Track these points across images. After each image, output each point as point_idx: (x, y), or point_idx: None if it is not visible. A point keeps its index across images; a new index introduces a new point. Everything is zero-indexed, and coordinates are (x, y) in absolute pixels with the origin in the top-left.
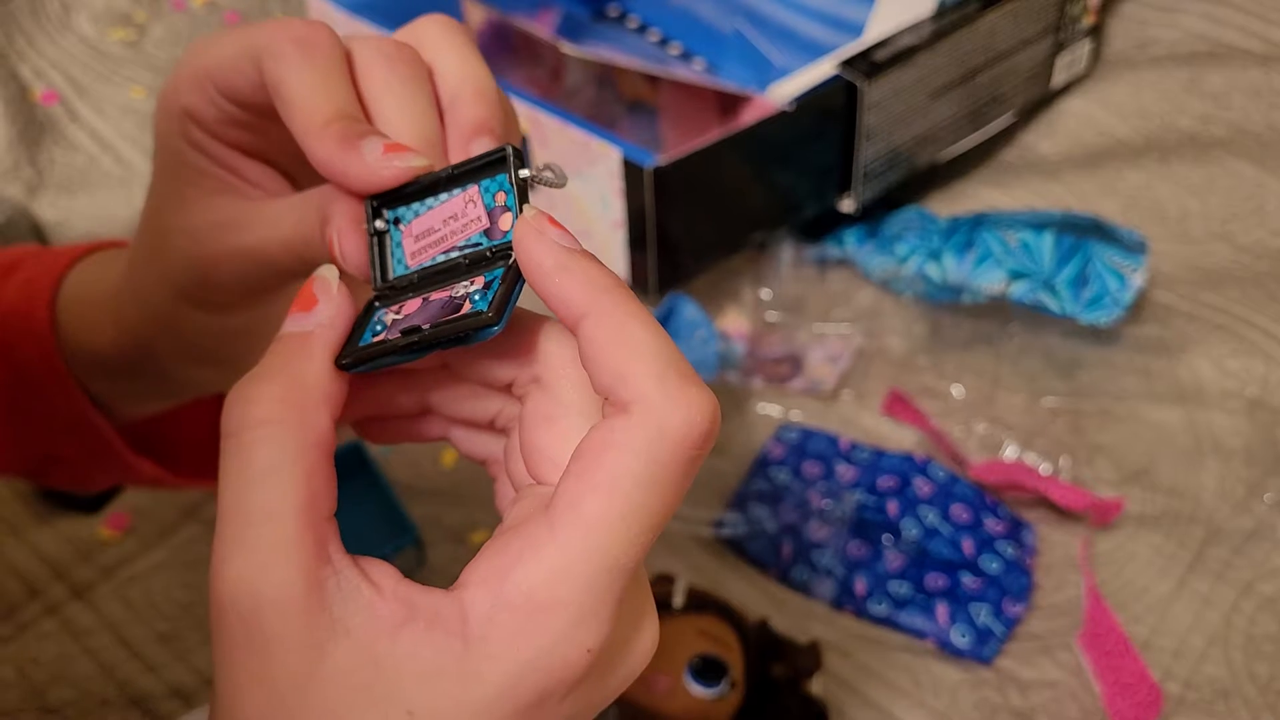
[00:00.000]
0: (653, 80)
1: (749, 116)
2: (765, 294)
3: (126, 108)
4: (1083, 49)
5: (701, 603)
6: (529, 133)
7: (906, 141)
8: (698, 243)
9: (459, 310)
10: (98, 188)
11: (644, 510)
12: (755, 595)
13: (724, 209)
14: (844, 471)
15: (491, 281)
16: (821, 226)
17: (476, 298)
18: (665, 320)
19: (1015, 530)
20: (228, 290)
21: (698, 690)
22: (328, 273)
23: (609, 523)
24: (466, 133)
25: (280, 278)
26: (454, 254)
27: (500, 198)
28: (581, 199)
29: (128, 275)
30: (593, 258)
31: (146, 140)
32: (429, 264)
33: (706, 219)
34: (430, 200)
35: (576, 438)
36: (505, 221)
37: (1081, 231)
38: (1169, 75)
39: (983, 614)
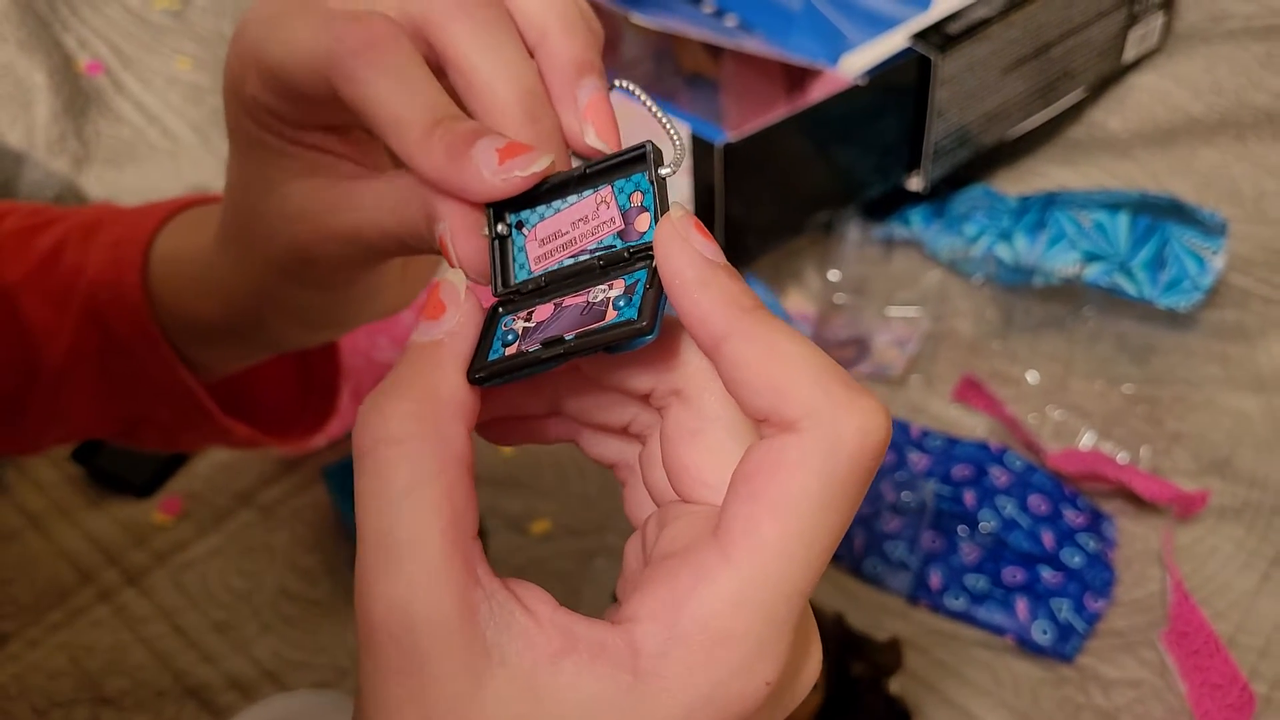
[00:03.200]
0: (714, 53)
1: (818, 92)
2: (833, 275)
3: (173, 79)
4: (1155, 22)
5: None
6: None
7: (977, 118)
8: (764, 222)
9: (602, 317)
10: (145, 161)
11: (823, 531)
12: (827, 588)
13: (790, 188)
14: (917, 460)
15: (634, 285)
16: (886, 205)
17: (621, 304)
18: None
19: (1096, 522)
20: (327, 269)
21: None
22: (455, 278)
23: (788, 548)
24: (569, 76)
25: (381, 256)
26: (584, 257)
27: (636, 198)
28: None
29: (221, 250)
30: (735, 274)
31: (193, 113)
32: (557, 267)
33: (773, 197)
34: (558, 202)
35: (724, 454)
36: (642, 223)
37: (1159, 212)
38: (1244, 49)
39: (1064, 609)
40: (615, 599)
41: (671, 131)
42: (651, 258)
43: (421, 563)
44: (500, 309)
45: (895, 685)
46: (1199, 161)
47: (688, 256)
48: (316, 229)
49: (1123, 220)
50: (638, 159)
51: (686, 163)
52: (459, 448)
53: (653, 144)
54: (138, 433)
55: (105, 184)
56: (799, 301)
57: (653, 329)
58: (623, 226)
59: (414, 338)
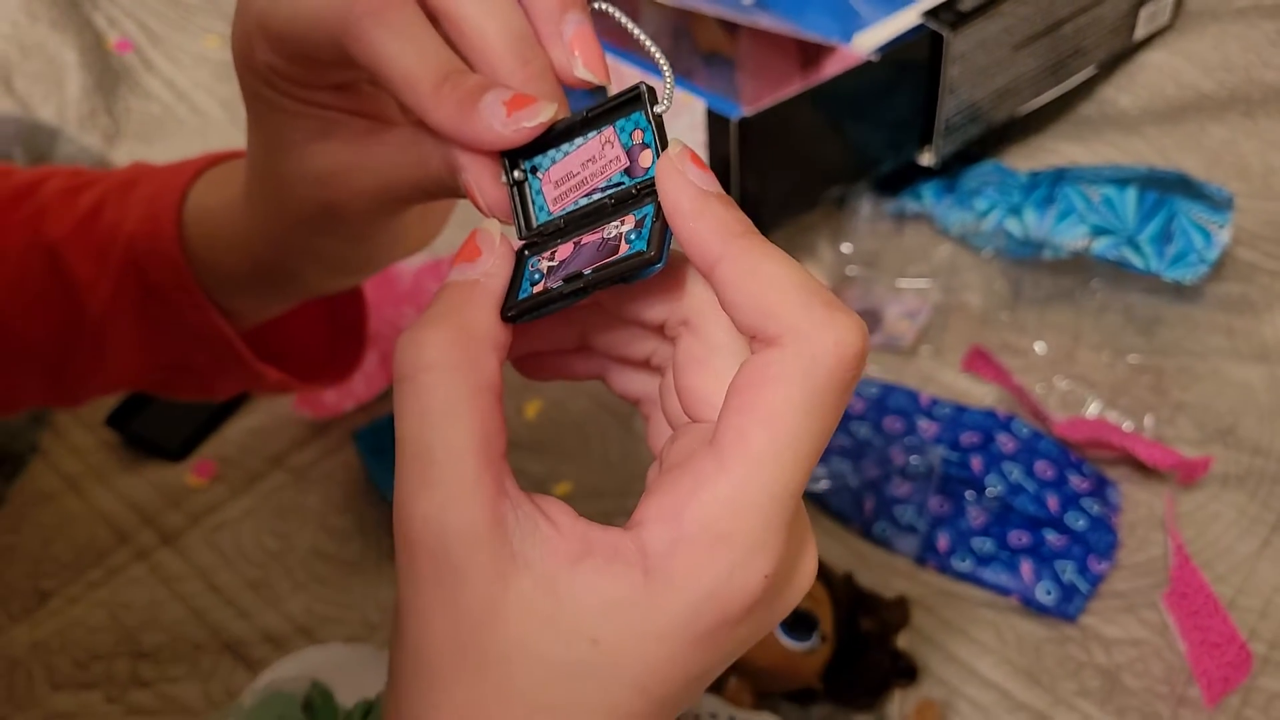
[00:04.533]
0: (730, 31)
1: (832, 68)
2: (845, 248)
3: (201, 57)
4: (1166, 0)
5: None
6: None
7: (988, 94)
8: (777, 196)
9: (616, 251)
10: (174, 136)
11: (807, 436)
12: (838, 550)
13: (804, 162)
14: (926, 427)
15: (643, 219)
16: (898, 180)
17: (633, 237)
18: None
19: (1100, 488)
20: (352, 222)
21: (789, 644)
22: (490, 226)
23: (776, 452)
24: (553, 13)
25: (404, 205)
26: (596, 195)
27: (638, 135)
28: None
29: (247, 207)
30: (728, 201)
31: (222, 90)
32: (573, 208)
33: (787, 172)
34: (565, 146)
35: (728, 376)
36: (645, 159)
37: (1166, 187)
38: (1254, 27)
39: (1068, 571)
40: None
41: (655, 53)
42: (656, 193)
43: (456, 478)
44: (526, 251)
45: (903, 642)
46: (1208, 138)
47: (684, 188)
48: (341, 188)
49: (1131, 195)
50: (634, 99)
51: (702, 137)
52: (491, 377)
53: (646, 85)
54: (175, 382)
55: (136, 158)
56: (813, 273)
57: (660, 258)
58: (628, 164)
59: (451, 277)
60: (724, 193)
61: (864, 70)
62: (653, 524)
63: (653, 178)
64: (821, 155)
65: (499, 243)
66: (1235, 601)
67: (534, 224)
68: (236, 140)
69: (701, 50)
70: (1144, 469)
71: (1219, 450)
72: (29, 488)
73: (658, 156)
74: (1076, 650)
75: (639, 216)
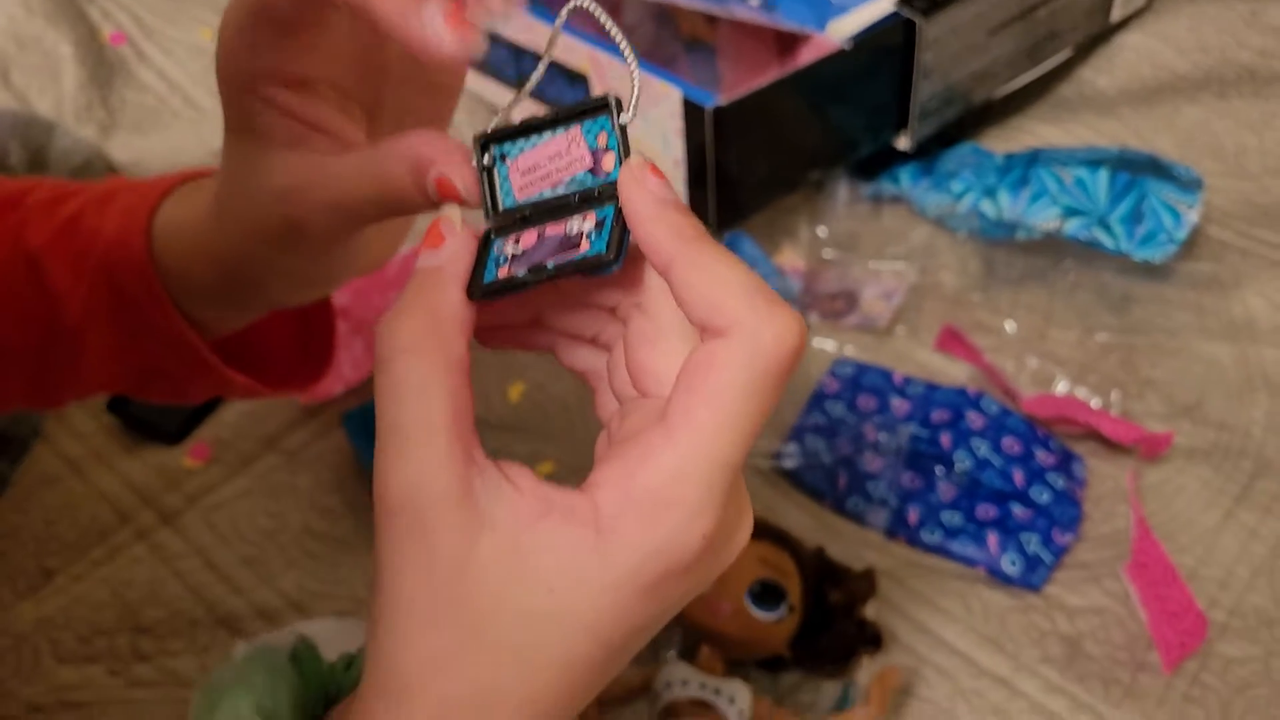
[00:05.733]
0: (711, 19)
1: (807, 55)
2: (821, 231)
3: (194, 49)
4: None
5: (761, 531)
6: (589, 72)
7: (963, 78)
8: (756, 181)
9: (577, 247)
10: (168, 128)
11: (746, 416)
12: (811, 524)
13: (782, 147)
14: (898, 405)
15: (604, 220)
16: (877, 164)
17: (594, 236)
18: None
19: (1065, 462)
20: (313, 237)
21: (758, 614)
22: (451, 212)
23: (717, 428)
24: None
25: (362, 222)
26: (560, 189)
27: (602, 139)
28: (642, 138)
29: (216, 221)
30: (683, 208)
31: (214, 81)
32: (537, 198)
33: (764, 158)
34: (535, 138)
35: (676, 356)
36: (608, 162)
37: (1137, 168)
38: (1230, 9)
39: (1032, 543)
40: None
41: (630, 63)
42: (617, 197)
43: (429, 448)
44: (492, 235)
45: (871, 612)
46: (1181, 118)
47: (643, 197)
48: (302, 203)
49: (1103, 176)
50: (601, 106)
51: (678, 125)
52: (459, 355)
53: (615, 97)
54: (149, 387)
55: (131, 150)
56: (792, 256)
57: (617, 260)
58: (593, 164)
59: (419, 264)
60: (680, 200)
61: (839, 57)
62: (606, 487)
63: (615, 181)
64: (799, 140)
65: (460, 228)
66: (1197, 572)
67: (500, 208)
68: None
69: (684, 37)
70: (1111, 444)
71: (1186, 425)
72: (33, 470)
73: (620, 163)
74: (1040, 619)
75: (600, 217)
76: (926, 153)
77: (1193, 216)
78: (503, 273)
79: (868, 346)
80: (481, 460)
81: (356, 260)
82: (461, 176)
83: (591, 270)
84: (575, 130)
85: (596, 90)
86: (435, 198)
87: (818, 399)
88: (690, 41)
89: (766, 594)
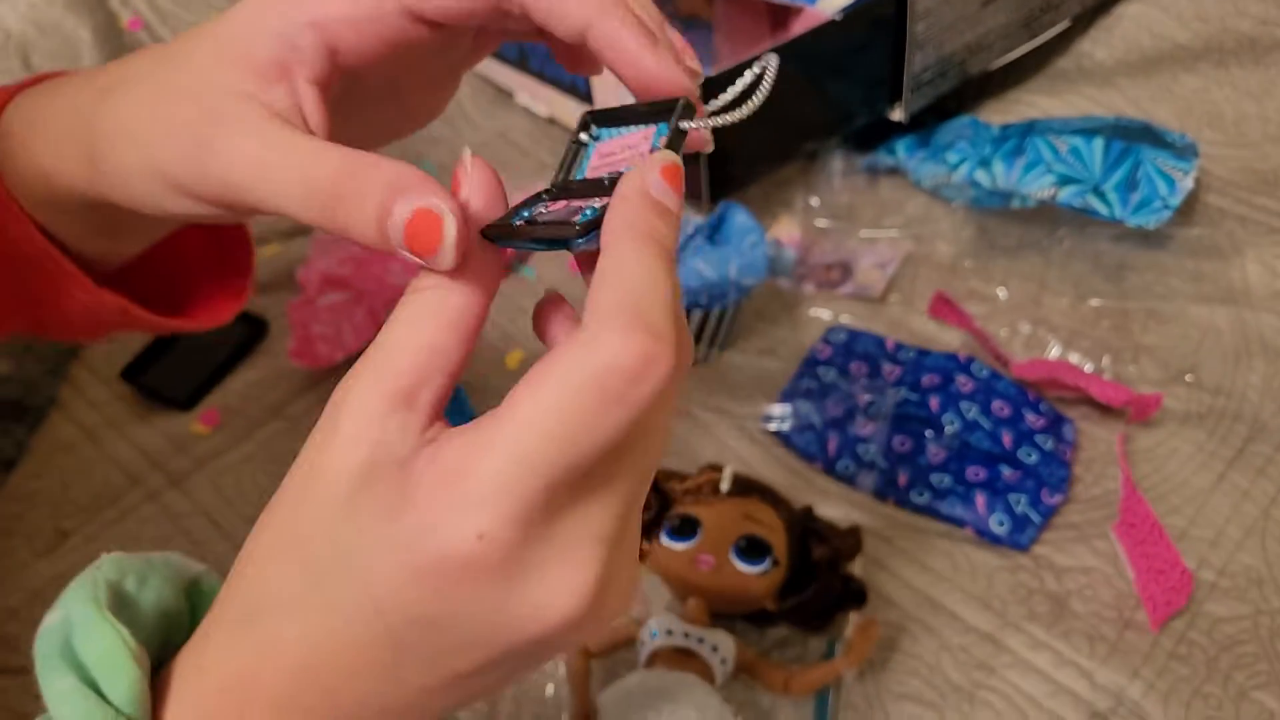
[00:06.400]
0: None
1: (799, 29)
2: (814, 201)
3: None
4: None
5: (747, 488)
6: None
7: (958, 50)
8: (750, 153)
9: (570, 220)
10: None
11: (561, 422)
12: (801, 486)
13: (776, 119)
14: (889, 370)
15: (605, 206)
16: (875, 136)
17: (588, 213)
18: (716, 227)
19: (1055, 425)
20: (225, 198)
21: (742, 567)
22: (467, 156)
23: (527, 419)
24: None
25: (281, 213)
26: (608, 175)
27: (663, 141)
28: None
29: (95, 114)
30: (660, 211)
31: None
32: (594, 178)
33: (759, 130)
34: (625, 129)
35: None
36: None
37: (1132, 136)
38: None
39: (1021, 503)
40: None
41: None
42: None
43: (382, 366)
44: (544, 194)
45: (858, 570)
46: (1180, 87)
47: (633, 183)
48: (241, 185)
49: (1097, 145)
50: (682, 107)
51: None
52: (459, 303)
53: (686, 100)
54: (39, 319)
55: None
56: (788, 227)
57: (577, 237)
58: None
59: (462, 193)
60: (668, 206)
61: (830, 29)
62: (426, 449)
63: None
64: (794, 112)
65: (472, 167)
66: (1187, 532)
67: (571, 179)
68: None
69: (682, 15)
70: (1103, 408)
71: (1180, 390)
72: (49, 437)
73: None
74: (1028, 578)
75: (605, 204)
76: (924, 125)
77: (1188, 183)
78: (519, 225)
79: (862, 315)
80: (424, 403)
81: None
82: (448, 226)
83: (557, 241)
84: (652, 128)
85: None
86: (397, 241)
87: (810, 363)
88: (688, 19)
89: (751, 548)
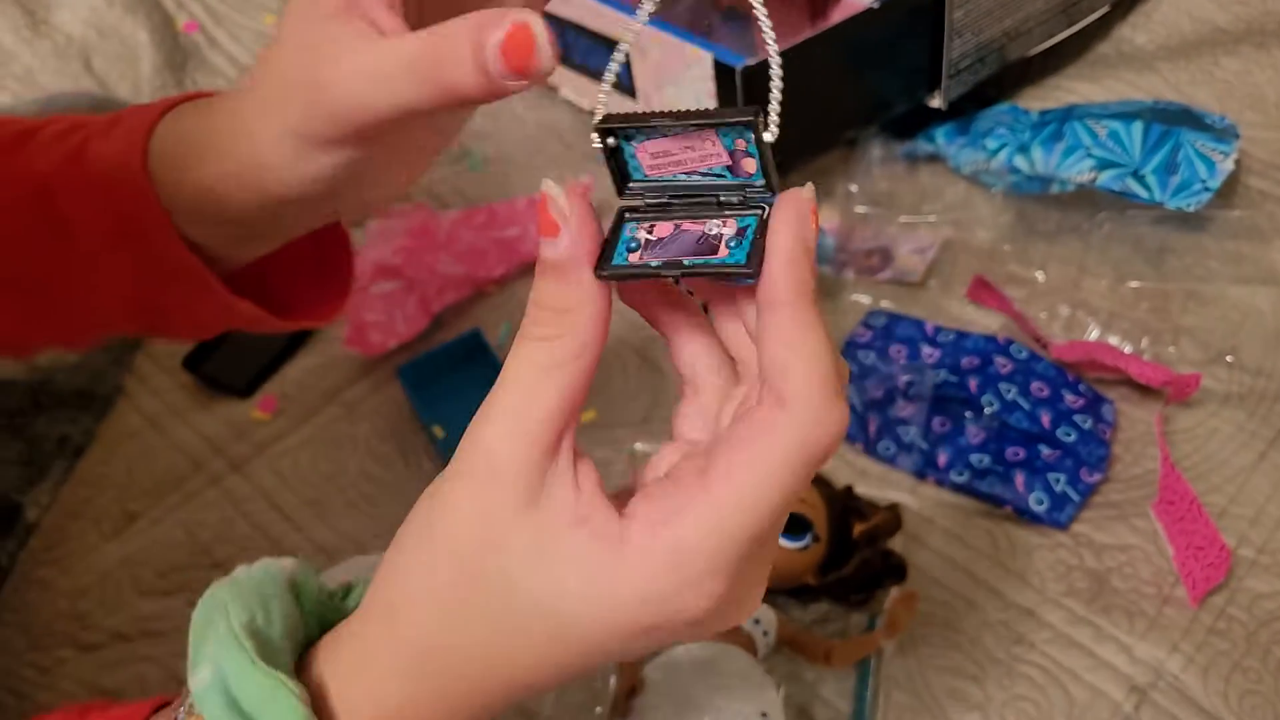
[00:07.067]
0: None
1: (837, 17)
2: (852, 188)
3: (260, 34)
4: None
5: None
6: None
7: (996, 36)
8: (789, 141)
9: (715, 251)
10: None
11: (780, 490)
12: (843, 467)
13: (815, 108)
14: (929, 353)
15: (745, 230)
16: (915, 123)
17: (733, 244)
18: None
19: (1094, 405)
20: (349, 123)
21: (784, 542)
22: (549, 188)
23: (754, 493)
24: None
25: (400, 109)
26: (697, 178)
27: (741, 144)
28: (677, 102)
29: (238, 120)
30: (814, 265)
31: None
32: (670, 179)
33: (798, 118)
34: (658, 134)
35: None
36: (749, 165)
37: (1171, 119)
38: None
39: (1060, 482)
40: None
41: (773, 61)
42: (763, 209)
43: (528, 419)
44: (626, 214)
45: (899, 547)
46: (1221, 70)
47: (796, 234)
48: (343, 75)
49: (1137, 128)
50: (745, 121)
51: (710, 87)
52: (585, 340)
53: (758, 111)
54: (159, 323)
55: None
56: (828, 214)
57: (756, 276)
58: (731, 163)
59: (542, 254)
60: (814, 254)
61: (868, 16)
62: (638, 521)
63: (760, 186)
64: (833, 100)
65: (567, 207)
66: (1228, 510)
67: (630, 179)
68: None
69: (723, 5)
70: (1142, 389)
71: (1221, 370)
72: (116, 425)
73: (762, 174)
74: (1068, 555)
75: (741, 225)
76: (964, 112)
77: (1228, 165)
78: (634, 258)
79: (902, 300)
80: (565, 447)
81: (369, 189)
82: (538, 29)
83: (726, 278)
84: (709, 131)
85: (635, 60)
86: (498, 71)
87: (850, 347)
88: (727, 9)
89: (792, 524)
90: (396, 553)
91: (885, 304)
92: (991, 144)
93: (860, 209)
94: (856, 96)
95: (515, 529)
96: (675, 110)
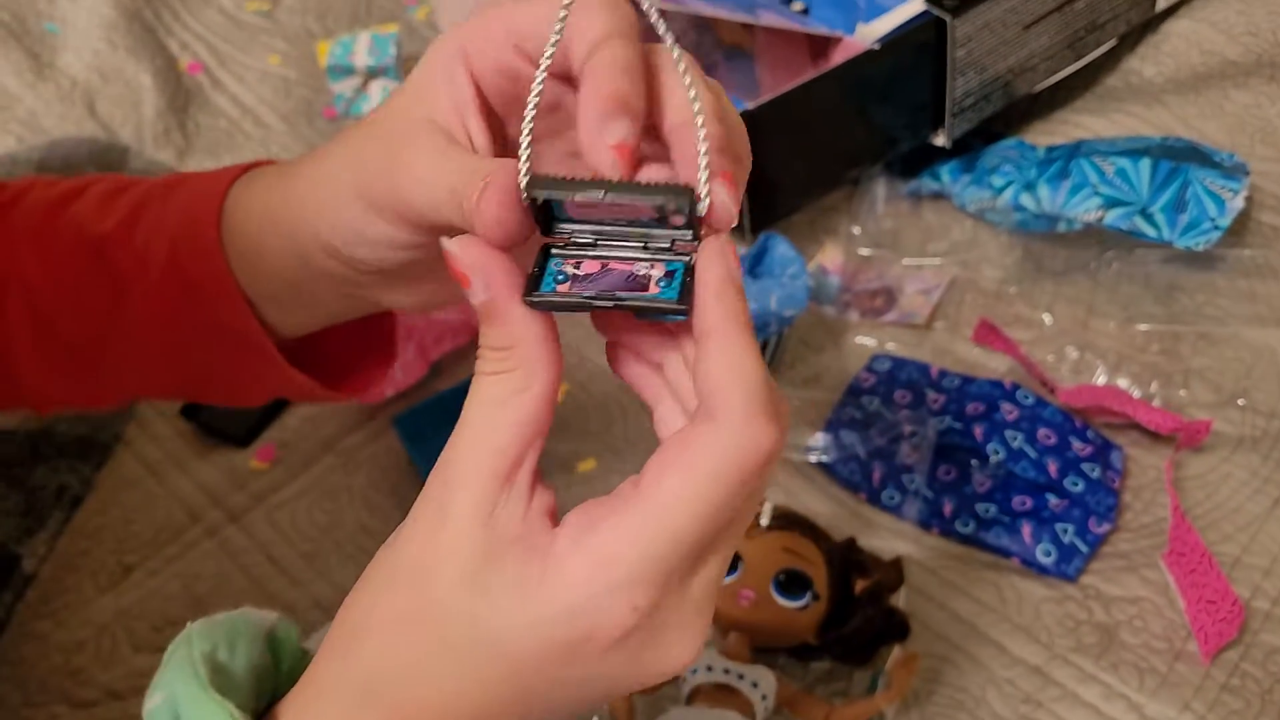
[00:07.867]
0: (749, 26)
1: (839, 58)
2: (855, 230)
3: (264, 74)
4: None
5: (787, 521)
6: None
7: (1000, 73)
8: (794, 182)
9: (645, 289)
10: (241, 149)
11: (708, 502)
12: (845, 517)
13: (818, 148)
14: (934, 399)
15: (674, 273)
16: (919, 161)
17: (663, 284)
18: (758, 259)
19: (1103, 452)
20: (421, 219)
21: (782, 602)
22: (448, 244)
23: (679, 502)
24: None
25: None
26: (623, 224)
27: (672, 206)
28: None
29: (320, 189)
30: (742, 295)
31: (282, 104)
32: (598, 220)
33: (801, 158)
34: (584, 191)
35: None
36: (678, 220)
37: (1179, 156)
38: None
39: (1068, 533)
40: None
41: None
42: (689, 255)
43: (484, 450)
44: (551, 250)
45: (902, 602)
46: (1230, 104)
47: (720, 270)
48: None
49: (1144, 166)
50: (677, 199)
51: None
52: (543, 382)
53: (689, 190)
54: (209, 386)
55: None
56: (833, 254)
57: (688, 313)
58: (659, 216)
59: (470, 302)
60: (742, 286)
61: (870, 57)
62: (567, 528)
63: (688, 239)
64: (836, 139)
65: (473, 257)
66: (1241, 560)
67: (557, 219)
68: (295, 150)
69: (724, 44)
70: (1153, 435)
71: (1233, 414)
72: (115, 474)
73: (691, 229)
74: (1076, 609)
75: (670, 269)
76: (970, 148)
77: (1238, 203)
78: (562, 288)
79: (908, 342)
80: (524, 474)
81: (430, 280)
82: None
83: (659, 314)
84: (640, 198)
85: None
86: (469, 221)
87: (853, 392)
88: (730, 49)
89: (791, 582)
90: (356, 591)
91: (890, 346)
92: (997, 181)
93: (864, 250)
94: (860, 136)
95: (461, 554)
96: (610, 181)
